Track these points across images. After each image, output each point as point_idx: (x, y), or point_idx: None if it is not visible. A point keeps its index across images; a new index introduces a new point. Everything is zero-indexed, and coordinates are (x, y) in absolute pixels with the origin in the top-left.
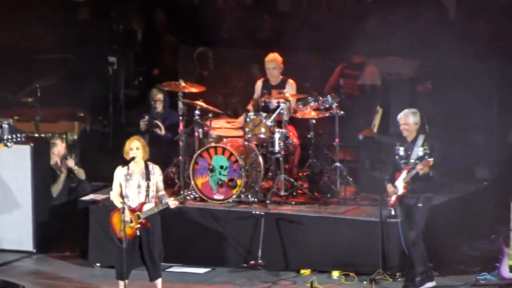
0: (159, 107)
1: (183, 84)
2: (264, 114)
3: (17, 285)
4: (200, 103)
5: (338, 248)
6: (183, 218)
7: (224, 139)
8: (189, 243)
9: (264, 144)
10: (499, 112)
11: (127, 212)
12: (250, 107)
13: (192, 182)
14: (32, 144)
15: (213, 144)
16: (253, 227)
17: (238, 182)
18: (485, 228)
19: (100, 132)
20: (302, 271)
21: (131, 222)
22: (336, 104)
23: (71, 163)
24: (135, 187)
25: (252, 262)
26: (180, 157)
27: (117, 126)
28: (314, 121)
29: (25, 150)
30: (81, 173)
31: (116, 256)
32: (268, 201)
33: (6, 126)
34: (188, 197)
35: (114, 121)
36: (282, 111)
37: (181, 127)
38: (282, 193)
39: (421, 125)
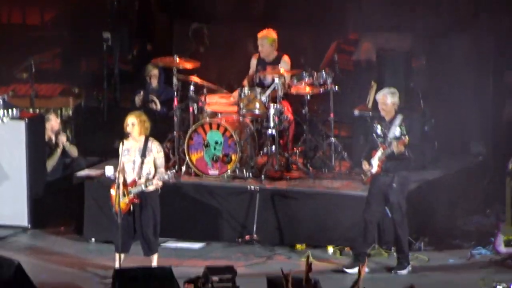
0: (154, 82)
1: (177, 59)
2: (258, 90)
3: (12, 261)
4: (194, 78)
5: (333, 223)
6: (178, 193)
7: (219, 115)
8: (184, 218)
9: (259, 119)
10: (494, 86)
11: (121, 187)
12: (245, 83)
13: (187, 158)
14: (26, 120)
15: (207, 120)
16: (248, 202)
17: (233, 157)
18: (480, 203)
19: (95, 107)
20: (297, 246)
21: (124, 196)
22: (330, 80)
23: (63, 139)
24: (131, 162)
25: (247, 237)
26: (175, 132)
27: (112, 101)
28: (308, 96)
29: (20, 126)
30: (72, 150)
31: (114, 230)
32: (263, 177)
33: (0, 101)
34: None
35: (109, 96)
36: (276, 86)
37: (175, 102)
38: (277, 168)
39: (399, 105)
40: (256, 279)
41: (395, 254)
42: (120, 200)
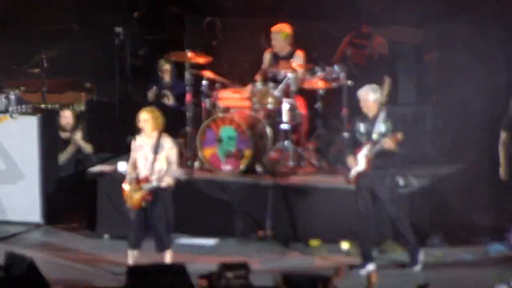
0: (167, 77)
1: (190, 54)
2: (271, 85)
3: (25, 257)
4: (207, 73)
5: (347, 218)
6: (191, 189)
7: (232, 110)
8: (197, 214)
9: (272, 114)
10: (508, 78)
11: (133, 183)
12: (258, 77)
13: (200, 153)
14: (38, 115)
15: (220, 115)
16: (261, 198)
17: (246, 152)
18: (496, 197)
19: (107, 102)
20: (311, 242)
21: (137, 192)
22: (343, 74)
23: (78, 136)
24: (143, 158)
25: (261, 233)
26: (187, 128)
27: (124, 96)
28: (321, 91)
29: (32, 121)
30: (87, 147)
31: (128, 226)
32: (276, 172)
33: (13, 97)
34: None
35: (121, 91)
36: (289, 81)
37: (188, 97)
38: (291, 164)
39: (381, 101)
40: (270, 275)
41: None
42: (133, 196)
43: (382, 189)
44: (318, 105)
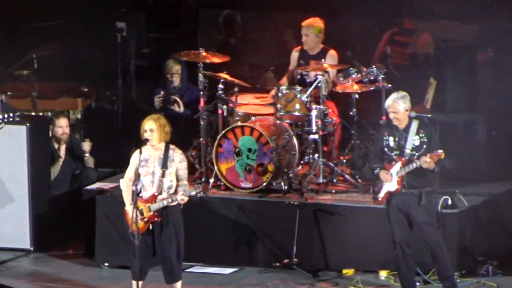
0: (176, 80)
1: (204, 53)
2: (299, 88)
3: None
4: (224, 75)
5: (386, 243)
6: (205, 210)
7: (253, 117)
8: (212, 239)
9: (299, 123)
10: None
11: (137, 203)
12: (284, 80)
13: (215, 168)
14: (28, 124)
15: (239, 124)
16: (286, 220)
17: (269, 167)
18: None
19: (108, 109)
20: (344, 271)
21: (142, 214)
22: (382, 76)
23: (87, 147)
24: (149, 174)
25: (286, 261)
26: (201, 139)
27: (127, 102)
28: (357, 95)
29: (20, 131)
30: (90, 162)
31: (131, 253)
32: (304, 190)
33: None
34: (198, 194)
35: (124, 96)
36: (319, 84)
37: (202, 103)
38: (321, 180)
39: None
40: None
41: (458, 280)
42: (137, 218)
43: (419, 210)
44: (353, 111)
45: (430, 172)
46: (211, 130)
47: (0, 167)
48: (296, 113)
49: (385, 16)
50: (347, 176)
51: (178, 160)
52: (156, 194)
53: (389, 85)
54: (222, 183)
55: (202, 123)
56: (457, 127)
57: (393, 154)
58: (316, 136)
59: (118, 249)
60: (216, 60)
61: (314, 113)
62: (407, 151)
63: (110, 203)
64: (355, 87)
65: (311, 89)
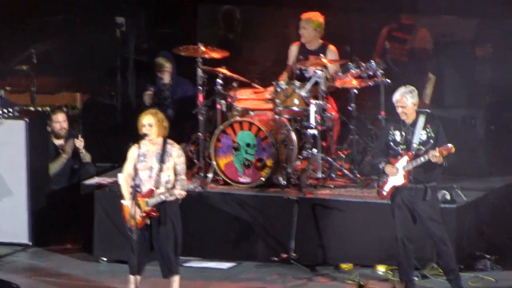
0: (166, 78)
1: (203, 48)
2: (297, 83)
3: (11, 284)
4: (222, 70)
5: (384, 238)
6: (203, 205)
7: (251, 112)
8: (210, 234)
9: (298, 118)
10: None
11: (135, 197)
12: (283, 76)
13: (214, 163)
14: (27, 119)
15: (238, 118)
16: (285, 215)
17: (268, 162)
18: None
19: (106, 105)
20: (342, 266)
21: (140, 209)
22: (381, 71)
23: (79, 143)
24: (147, 169)
25: (284, 255)
26: (199, 134)
27: (126, 97)
28: (356, 91)
29: (19, 126)
30: (87, 157)
31: (129, 248)
32: (302, 185)
33: None
34: (196, 189)
35: (123, 92)
36: (318, 79)
37: (200, 98)
38: (319, 175)
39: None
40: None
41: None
42: (135, 213)
43: (424, 205)
44: (352, 107)
45: (438, 167)
46: (210, 125)
47: None
48: (295, 108)
49: (384, 12)
50: (345, 171)
51: (176, 154)
52: (154, 188)
53: (388, 81)
54: (221, 178)
55: (200, 118)
56: (456, 122)
57: (399, 148)
58: (315, 131)
59: (116, 243)
60: (215, 55)
61: (313, 108)
62: (414, 145)
63: (108, 198)
64: (354, 82)
65: (310, 84)
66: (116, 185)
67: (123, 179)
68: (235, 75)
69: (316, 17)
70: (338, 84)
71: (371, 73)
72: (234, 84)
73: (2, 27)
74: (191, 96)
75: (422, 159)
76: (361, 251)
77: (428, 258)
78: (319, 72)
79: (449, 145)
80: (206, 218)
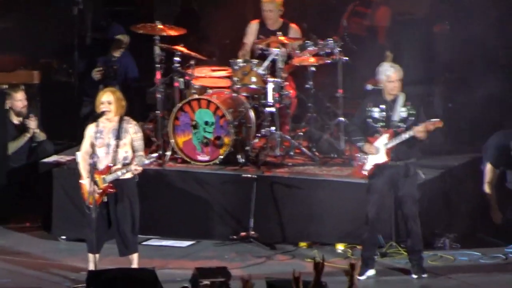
0: (117, 52)
1: (160, 26)
2: (255, 61)
3: None
4: (180, 48)
5: (343, 216)
6: (162, 183)
7: (209, 90)
8: (169, 212)
9: (256, 96)
10: None
11: (92, 175)
12: (241, 54)
13: (172, 141)
14: None
15: (196, 96)
16: (243, 193)
17: (226, 140)
18: None
19: (64, 83)
20: (301, 244)
21: (97, 186)
22: (339, 49)
23: (33, 124)
24: (104, 146)
25: (242, 233)
26: (157, 111)
27: (84, 75)
28: (313, 68)
29: None
30: (41, 136)
31: (87, 226)
32: (261, 163)
33: None
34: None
35: (80, 69)
36: (276, 57)
37: (158, 76)
38: (277, 153)
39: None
40: (253, 282)
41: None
42: (92, 190)
43: (405, 182)
44: (309, 84)
45: (418, 143)
46: (168, 103)
47: None
48: (253, 86)
49: None
50: (304, 149)
51: (133, 131)
52: (110, 165)
53: (346, 58)
54: (179, 156)
55: (159, 96)
56: (413, 99)
57: (378, 125)
58: (273, 109)
59: (75, 222)
60: (173, 33)
61: (270, 86)
62: (395, 122)
63: (66, 176)
64: (312, 60)
65: (267, 62)
66: (74, 163)
67: (81, 157)
68: (192, 53)
69: None
70: (295, 61)
71: (328, 50)
72: (192, 62)
73: None
74: (131, 71)
75: (406, 135)
76: (320, 229)
77: (388, 237)
78: (275, 50)
79: (436, 120)
80: (165, 197)
